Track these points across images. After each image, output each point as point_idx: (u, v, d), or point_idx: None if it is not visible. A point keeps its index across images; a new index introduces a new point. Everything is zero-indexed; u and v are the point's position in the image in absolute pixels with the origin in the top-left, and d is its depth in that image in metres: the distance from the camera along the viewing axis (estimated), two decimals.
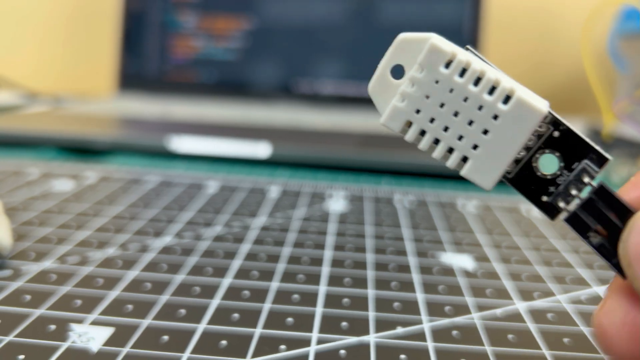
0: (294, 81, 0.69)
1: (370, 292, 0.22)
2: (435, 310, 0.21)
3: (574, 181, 0.13)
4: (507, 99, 0.13)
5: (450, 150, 0.14)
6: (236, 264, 0.24)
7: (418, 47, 0.14)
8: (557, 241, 0.29)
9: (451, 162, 0.14)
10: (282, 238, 0.28)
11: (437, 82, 0.14)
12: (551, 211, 0.14)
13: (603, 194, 0.13)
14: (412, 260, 0.26)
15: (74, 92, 0.85)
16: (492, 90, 0.13)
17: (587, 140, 0.13)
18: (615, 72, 0.66)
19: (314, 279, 0.23)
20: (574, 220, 0.13)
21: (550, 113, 0.13)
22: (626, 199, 0.13)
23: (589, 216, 0.13)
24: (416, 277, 0.24)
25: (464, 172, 0.14)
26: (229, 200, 0.33)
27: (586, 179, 0.13)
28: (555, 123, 0.13)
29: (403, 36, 0.14)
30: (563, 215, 0.14)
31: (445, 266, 0.25)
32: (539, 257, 0.27)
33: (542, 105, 0.13)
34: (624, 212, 0.13)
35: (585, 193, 0.13)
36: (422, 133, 0.14)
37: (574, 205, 0.13)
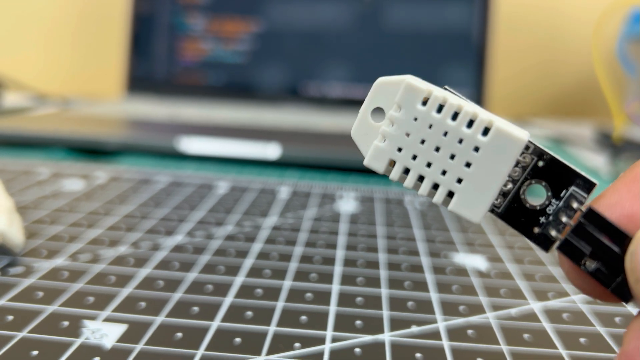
0: (302, 84, 0.69)
1: (384, 292, 0.22)
2: (449, 309, 0.21)
3: (564, 208, 0.13)
4: (486, 131, 0.13)
5: (436, 186, 0.14)
6: (248, 262, 0.24)
7: (395, 88, 0.14)
8: None
9: (437, 198, 0.14)
10: (293, 237, 0.28)
11: (415, 119, 0.14)
12: (544, 243, 0.13)
13: (593, 217, 0.13)
14: (425, 261, 0.26)
15: (82, 94, 0.86)
16: (470, 124, 0.13)
17: (572, 166, 0.13)
18: (624, 75, 0.66)
19: (327, 278, 0.23)
20: (566, 248, 0.13)
21: (532, 143, 0.13)
22: (616, 215, 0.13)
23: (582, 241, 0.13)
24: (429, 277, 0.24)
25: (451, 207, 0.14)
26: (239, 201, 0.33)
27: (575, 205, 0.13)
28: (538, 153, 0.13)
29: (380, 80, 0.14)
30: (556, 244, 0.13)
31: (459, 266, 0.25)
32: (552, 257, 0.26)
33: (522, 134, 0.13)
34: (617, 234, 0.13)
35: (575, 220, 0.13)
36: (406, 171, 0.14)
37: (565, 232, 0.13)
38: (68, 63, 0.88)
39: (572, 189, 0.13)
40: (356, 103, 0.68)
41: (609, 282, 0.13)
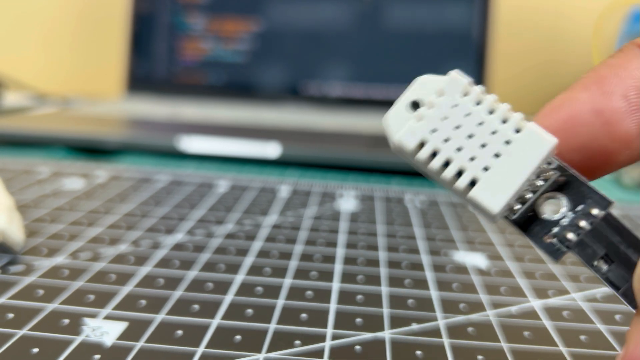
0: (302, 83, 0.69)
1: (384, 290, 0.22)
2: (449, 307, 0.21)
3: (582, 215, 0.13)
4: (518, 131, 0.14)
5: (459, 174, 0.14)
6: (248, 260, 0.24)
7: (437, 84, 0.15)
8: None
9: (460, 183, 0.14)
10: (293, 236, 0.28)
11: (454, 106, 0.14)
12: (555, 252, 0.14)
13: (610, 222, 0.13)
14: (425, 259, 0.26)
15: (82, 93, 0.86)
16: (504, 121, 0.14)
17: (591, 185, 0.14)
18: None
19: (327, 276, 0.23)
20: (579, 247, 0.13)
21: (555, 159, 0.14)
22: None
23: (596, 243, 0.13)
24: (429, 275, 0.24)
25: (471, 194, 0.14)
26: (239, 199, 0.33)
27: (595, 212, 0.13)
28: (561, 169, 0.14)
29: (424, 75, 0.15)
30: (570, 244, 0.13)
31: (459, 264, 0.25)
32: None
33: (552, 138, 0.14)
34: (632, 240, 0.13)
35: (593, 223, 0.13)
36: (433, 155, 0.14)
37: (582, 233, 0.13)
38: (68, 63, 0.88)
39: (590, 201, 0.13)
40: (356, 102, 0.68)
41: (618, 286, 0.13)
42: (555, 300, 0.22)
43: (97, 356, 0.17)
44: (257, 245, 0.26)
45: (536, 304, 0.22)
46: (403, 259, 0.25)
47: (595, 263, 0.13)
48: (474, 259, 0.26)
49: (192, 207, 0.31)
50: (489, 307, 0.21)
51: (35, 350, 0.17)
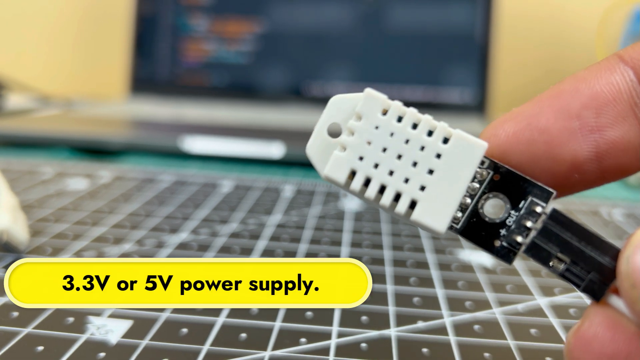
0: (305, 84, 0.69)
1: (390, 288, 0.22)
2: (455, 305, 0.21)
3: (526, 215, 0.13)
4: (446, 140, 0.13)
5: (397, 198, 0.13)
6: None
7: (353, 103, 0.14)
8: None
9: (400, 208, 0.13)
10: (298, 235, 0.28)
11: (376, 127, 0.13)
12: (507, 255, 0.13)
13: (558, 218, 0.13)
14: (430, 257, 0.25)
15: (85, 95, 0.86)
16: (430, 133, 0.13)
17: (529, 177, 0.13)
18: None
19: None
20: (534, 251, 0.13)
21: (487, 158, 0.13)
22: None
23: (549, 243, 0.13)
24: (435, 273, 0.24)
25: (414, 217, 0.13)
26: (243, 199, 0.33)
27: (538, 209, 0.13)
28: (494, 166, 0.13)
29: (337, 96, 0.14)
30: (522, 248, 0.13)
31: (464, 263, 0.25)
32: None
33: (482, 141, 0.13)
34: (582, 234, 0.13)
35: (540, 223, 0.13)
36: (367, 183, 0.14)
37: (531, 235, 0.13)
38: (71, 64, 0.88)
39: (531, 198, 0.13)
40: None
41: (578, 282, 0.13)
42: (561, 298, 0.22)
43: (102, 354, 0.17)
44: (261, 244, 0.26)
45: (542, 301, 0.22)
46: (408, 258, 0.25)
47: (552, 263, 0.13)
48: (479, 257, 0.26)
49: (196, 206, 0.31)
50: (495, 305, 0.21)
51: (40, 348, 0.17)
